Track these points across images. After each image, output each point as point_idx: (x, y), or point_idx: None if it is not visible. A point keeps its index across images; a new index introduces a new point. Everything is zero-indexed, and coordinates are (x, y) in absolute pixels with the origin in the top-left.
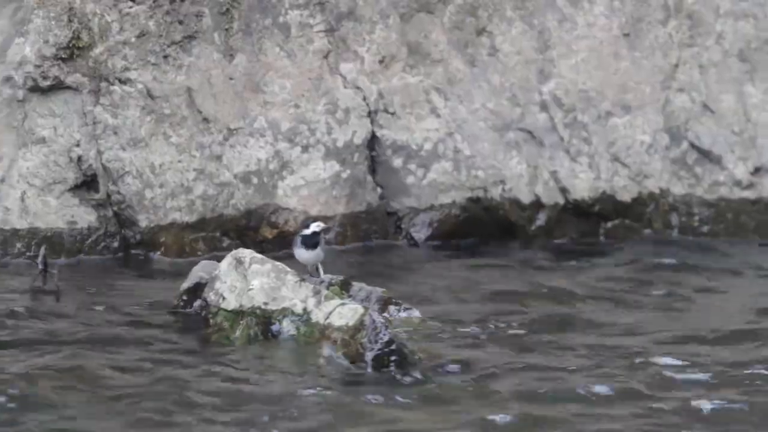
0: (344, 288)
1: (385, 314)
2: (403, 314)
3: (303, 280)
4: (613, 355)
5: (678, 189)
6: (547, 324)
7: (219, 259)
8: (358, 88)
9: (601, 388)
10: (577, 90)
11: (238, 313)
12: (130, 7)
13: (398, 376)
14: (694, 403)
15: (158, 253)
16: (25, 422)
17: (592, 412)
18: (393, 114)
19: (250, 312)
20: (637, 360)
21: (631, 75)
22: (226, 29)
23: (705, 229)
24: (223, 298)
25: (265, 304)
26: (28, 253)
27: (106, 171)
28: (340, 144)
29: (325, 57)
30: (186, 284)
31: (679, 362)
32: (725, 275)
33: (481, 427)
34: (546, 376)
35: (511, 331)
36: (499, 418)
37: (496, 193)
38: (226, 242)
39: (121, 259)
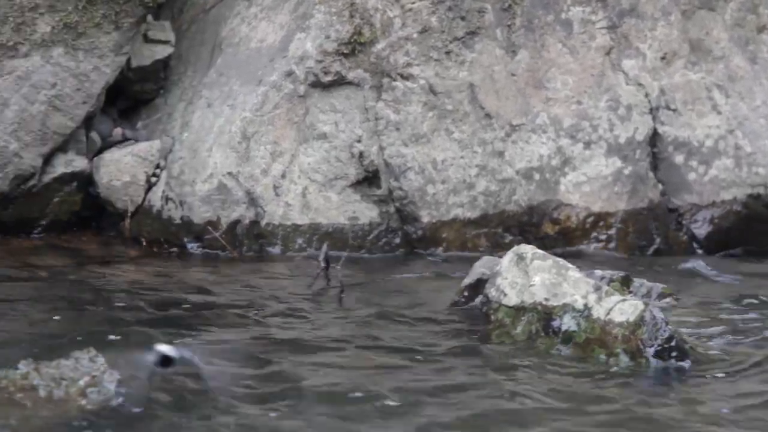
0: (625, 284)
1: (666, 310)
2: (683, 310)
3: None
4: None
5: None
6: None
7: (500, 256)
8: (639, 84)
9: None
10: None
11: (519, 309)
12: (413, 3)
13: (678, 373)
14: None
15: (440, 248)
16: (310, 415)
17: None
18: (674, 111)
19: (531, 308)
20: None
21: None
22: (509, 25)
23: None
24: (504, 294)
25: (546, 300)
26: (308, 249)
27: (388, 167)
28: (622, 140)
29: (607, 53)
30: (467, 280)
31: None
32: None
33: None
34: None
35: None
36: None
37: None
38: (508, 238)
39: (402, 255)
